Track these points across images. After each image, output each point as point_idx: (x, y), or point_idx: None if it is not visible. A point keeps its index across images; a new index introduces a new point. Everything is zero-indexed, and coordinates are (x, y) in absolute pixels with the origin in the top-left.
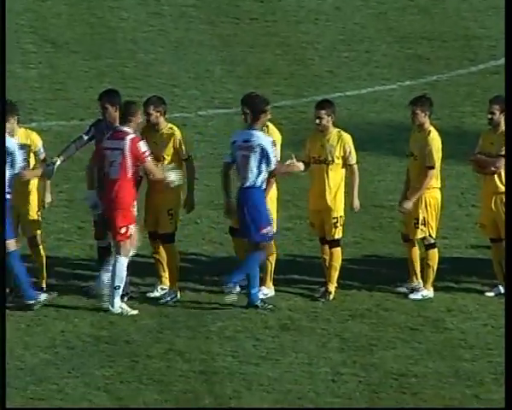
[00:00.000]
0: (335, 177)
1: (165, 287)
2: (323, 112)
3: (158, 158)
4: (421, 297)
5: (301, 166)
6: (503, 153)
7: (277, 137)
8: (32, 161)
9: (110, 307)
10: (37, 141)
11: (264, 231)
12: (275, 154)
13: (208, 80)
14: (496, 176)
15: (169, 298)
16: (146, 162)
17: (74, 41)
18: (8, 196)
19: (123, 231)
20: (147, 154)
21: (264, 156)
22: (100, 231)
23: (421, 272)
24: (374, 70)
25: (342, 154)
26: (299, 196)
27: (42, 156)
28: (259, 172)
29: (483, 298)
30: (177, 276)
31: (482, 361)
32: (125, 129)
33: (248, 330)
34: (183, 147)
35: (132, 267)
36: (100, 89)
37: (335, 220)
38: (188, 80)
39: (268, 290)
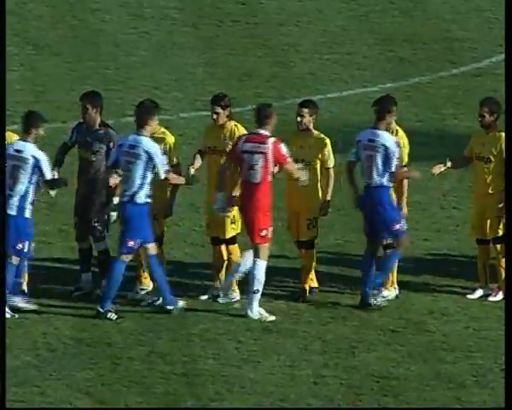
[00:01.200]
0: (313, 179)
1: (144, 287)
2: (306, 110)
3: None
4: (383, 298)
5: (418, 174)
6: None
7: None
8: None
9: (248, 312)
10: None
11: (397, 226)
12: (398, 155)
13: (190, 83)
14: (487, 179)
15: (151, 301)
16: (288, 164)
17: (56, 43)
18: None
19: (263, 233)
20: (288, 155)
21: (388, 156)
22: (81, 233)
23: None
24: (355, 72)
25: (321, 157)
26: (280, 198)
27: None
28: (384, 172)
29: (464, 300)
30: None
31: (463, 364)
32: (264, 132)
33: (230, 333)
34: (173, 152)
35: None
36: (81, 91)
37: (309, 222)
38: (170, 83)
39: (235, 294)
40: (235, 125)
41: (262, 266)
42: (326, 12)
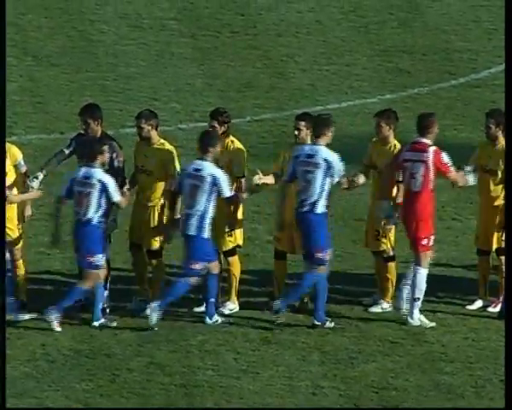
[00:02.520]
0: None
1: (143, 298)
2: (303, 123)
3: (147, 172)
4: (380, 310)
5: None
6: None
7: (242, 150)
8: (13, 175)
9: (409, 319)
10: (17, 154)
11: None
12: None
13: (189, 93)
14: (493, 191)
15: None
16: (450, 173)
17: (55, 54)
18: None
19: (424, 242)
20: (450, 164)
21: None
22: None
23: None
24: (354, 83)
25: None
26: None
27: (23, 169)
28: (321, 193)
29: (463, 311)
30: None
31: (463, 374)
32: (426, 141)
33: (229, 344)
34: (173, 164)
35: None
36: (80, 102)
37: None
38: (168, 93)
39: (233, 305)
40: (232, 141)
41: (423, 274)
42: (325, 23)
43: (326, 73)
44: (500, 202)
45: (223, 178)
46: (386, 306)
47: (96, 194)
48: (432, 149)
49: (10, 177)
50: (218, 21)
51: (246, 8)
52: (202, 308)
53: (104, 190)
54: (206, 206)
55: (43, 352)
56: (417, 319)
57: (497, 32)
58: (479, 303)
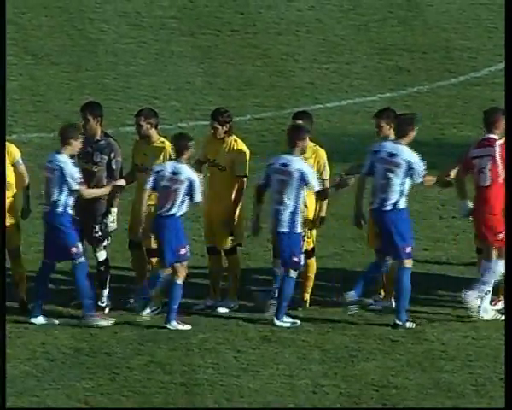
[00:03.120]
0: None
1: (142, 297)
2: (300, 122)
3: (146, 170)
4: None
5: None
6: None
7: (245, 150)
8: (11, 174)
9: (482, 314)
10: (15, 153)
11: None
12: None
13: (189, 92)
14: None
15: (151, 310)
16: None
17: (55, 53)
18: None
19: (500, 237)
20: None
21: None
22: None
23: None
24: (354, 82)
25: (316, 168)
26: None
27: (21, 168)
28: (401, 192)
29: (463, 310)
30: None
31: (463, 373)
32: (492, 136)
33: (229, 342)
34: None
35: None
36: (80, 101)
37: (304, 233)
38: (168, 92)
39: (233, 304)
40: (235, 141)
41: (500, 267)
42: (325, 21)
43: (326, 71)
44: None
45: (310, 172)
46: (387, 304)
47: (182, 191)
48: (498, 142)
49: (9, 175)
50: (217, 20)
51: (245, 6)
52: (201, 307)
53: (190, 187)
54: (296, 201)
55: (43, 350)
56: (490, 311)
57: (497, 31)
58: (479, 301)
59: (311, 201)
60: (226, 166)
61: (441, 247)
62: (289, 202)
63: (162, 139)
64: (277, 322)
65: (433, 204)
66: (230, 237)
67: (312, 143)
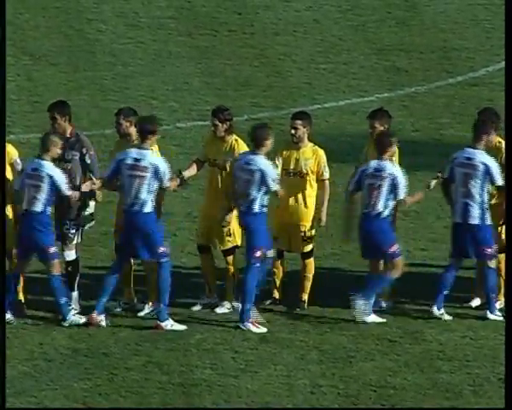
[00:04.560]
0: (308, 190)
1: (127, 301)
2: (299, 122)
3: None
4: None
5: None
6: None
7: (246, 149)
8: (10, 174)
9: None
10: (12, 152)
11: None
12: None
13: (187, 92)
14: None
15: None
16: None
17: (53, 53)
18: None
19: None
20: None
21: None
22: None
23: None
24: (352, 82)
25: (316, 169)
26: (271, 210)
27: (18, 168)
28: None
29: (461, 310)
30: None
31: (460, 373)
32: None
33: (227, 343)
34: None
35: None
36: (78, 101)
37: (303, 234)
38: (166, 92)
39: (230, 305)
40: (236, 140)
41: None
42: (322, 22)
43: (323, 71)
44: (494, 200)
45: (495, 166)
46: (383, 305)
47: (386, 187)
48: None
49: (7, 175)
50: (215, 20)
51: (243, 7)
52: (198, 307)
53: (263, 177)
54: (482, 194)
55: (41, 351)
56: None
57: (494, 31)
58: (477, 302)
59: (310, 201)
60: (229, 166)
61: (439, 247)
62: (477, 195)
63: None
64: (490, 316)
65: (431, 204)
66: (228, 238)
67: (311, 144)
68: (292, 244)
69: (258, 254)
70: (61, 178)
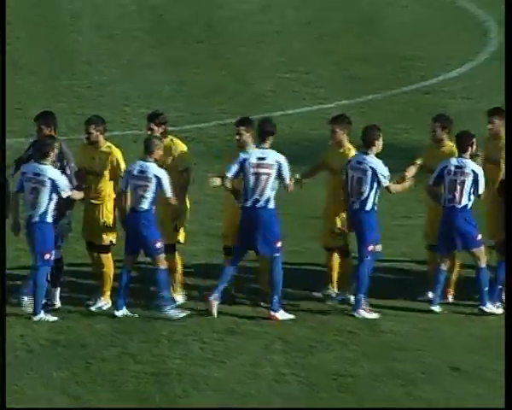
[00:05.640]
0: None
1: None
2: (243, 128)
3: (95, 173)
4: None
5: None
6: None
7: (183, 146)
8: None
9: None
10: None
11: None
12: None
13: (157, 99)
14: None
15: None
16: None
17: (33, 63)
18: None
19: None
20: None
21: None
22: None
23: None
24: (313, 90)
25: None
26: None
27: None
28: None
29: (414, 303)
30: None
31: (414, 362)
32: None
33: (196, 334)
34: (121, 164)
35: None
36: (57, 108)
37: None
38: (138, 100)
39: (179, 297)
40: (171, 140)
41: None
42: (285, 34)
43: (286, 80)
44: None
45: (481, 174)
46: (343, 297)
47: (468, 183)
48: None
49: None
50: (185, 32)
51: (211, 19)
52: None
53: (280, 170)
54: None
55: (22, 342)
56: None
57: (445, 42)
58: (430, 295)
59: None
60: (170, 164)
61: (393, 245)
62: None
63: (109, 144)
64: (485, 308)
65: (385, 205)
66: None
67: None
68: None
69: (371, 248)
70: (166, 178)
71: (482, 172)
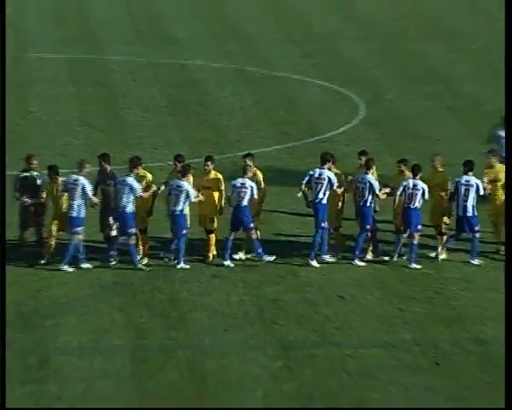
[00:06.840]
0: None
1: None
2: (209, 162)
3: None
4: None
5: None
6: None
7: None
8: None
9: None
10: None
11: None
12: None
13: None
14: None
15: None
16: None
17: None
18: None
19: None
20: None
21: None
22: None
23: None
24: (258, 138)
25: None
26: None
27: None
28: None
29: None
30: None
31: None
32: None
33: (195, 278)
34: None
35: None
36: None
37: (211, 218)
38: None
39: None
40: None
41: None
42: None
43: (246, 132)
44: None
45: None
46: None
47: (474, 192)
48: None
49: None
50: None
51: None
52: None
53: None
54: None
55: (99, 281)
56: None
57: (331, 114)
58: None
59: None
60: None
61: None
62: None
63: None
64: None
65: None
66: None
67: (215, 171)
68: (207, 223)
69: (368, 227)
70: (252, 185)
71: (481, 183)
